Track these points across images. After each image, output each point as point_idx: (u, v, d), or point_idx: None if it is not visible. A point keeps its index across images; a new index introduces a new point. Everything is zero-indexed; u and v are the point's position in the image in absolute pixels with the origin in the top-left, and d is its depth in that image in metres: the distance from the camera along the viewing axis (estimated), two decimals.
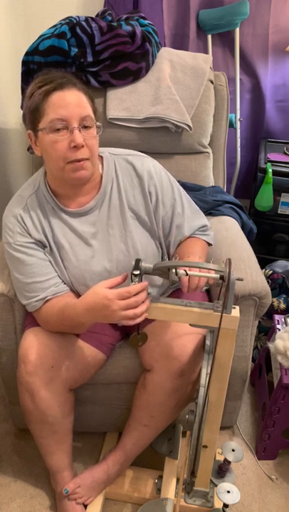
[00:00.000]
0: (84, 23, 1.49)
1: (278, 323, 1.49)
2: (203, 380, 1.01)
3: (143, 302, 0.91)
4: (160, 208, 1.17)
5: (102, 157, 1.17)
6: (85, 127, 1.04)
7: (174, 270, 0.92)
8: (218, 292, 1.03)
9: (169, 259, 1.24)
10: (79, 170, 1.05)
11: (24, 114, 1.09)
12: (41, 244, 1.15)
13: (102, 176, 1.16)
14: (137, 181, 1.16)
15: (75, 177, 1.06)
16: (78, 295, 1.20)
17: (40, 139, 1.05)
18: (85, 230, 1.15)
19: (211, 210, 1.56)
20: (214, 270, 0.88)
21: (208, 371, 1.01)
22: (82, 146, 1.03)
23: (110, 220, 1.16)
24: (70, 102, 1.01)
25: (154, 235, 1.20)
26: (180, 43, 2.06)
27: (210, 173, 1.69)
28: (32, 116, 1.05)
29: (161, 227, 1.19)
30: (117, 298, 0.90)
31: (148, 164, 1.17)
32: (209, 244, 1.28)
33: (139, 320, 0.91)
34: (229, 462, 1.19)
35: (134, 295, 0.90)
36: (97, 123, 1.07)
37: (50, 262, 1.16)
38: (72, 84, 1.04)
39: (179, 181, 1.59)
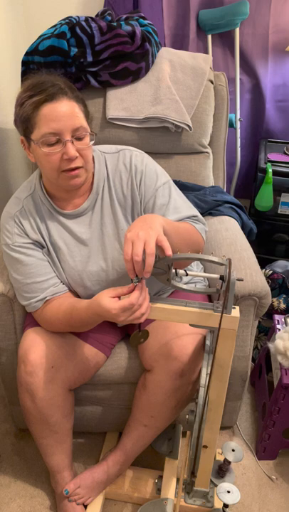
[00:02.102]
0: (84, 23, 1.49)
1: (278, 323, 1.49)
2: (203, 380, 1.01)
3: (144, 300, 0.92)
4: (142, 193, 1.14)
5: (93, 156, 1.16)
6: (78, 139, 1.02)
7: (173, 270, 0.92)
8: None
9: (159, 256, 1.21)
10: (73, 178, 1.05)
11: (15, 120, 1.07)
12: (39, 245, 1.15)
13: (94, 176, 1.15)
14: (126, 177, 1.14)
15: (70, 184, 1.06)
16: (77, 295, 1.20)
17: (33, 149, 1.05)
18: (81, 230, 1.15)
19: (211, 210, 1.56)
20: (214, 262, 0.87)
21: (208, 371, 1.01)
22: (76, 158, 1.02)
23: (103, 219, 1.15)
24: (62, 114, 0.99)
25: None
26: (180, 43, 2.05)
27: (210, 173, 1.69)
28: (24, 125, 1.04)
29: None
30: (120, 311, 0.91)
31: (136, 157, 1.15)
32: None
33: (145, 317, 0.92)
34: (229, 462, 1.19)
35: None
36: (90, 131, 1.06)
37: (48, 262, 1.16)
38: (63, 94, 1.01)
39: (178, 181, 1.60)
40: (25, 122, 1.03)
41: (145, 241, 0.86)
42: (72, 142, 1.01)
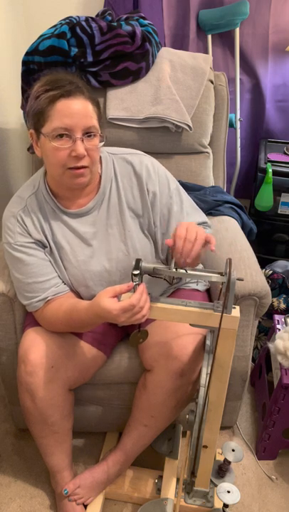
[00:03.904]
0: (84, 23, 1.49)
1: (278, 323, 1.49)
2: (204, 380, 1.01)
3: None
4: (157, 206, 1.16)
5: (100, 157, 1.16)
6: (89, 137, 1.03)
7: (174, 269, 0.92)
8: (219, 292, 1.03)
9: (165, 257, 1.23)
10: (78, 177, 1.05)
11: (28, 112, 1.07)
12: (41, 244, 1.15)
13: (100, 176, 1.16)
14: (135, 180, 1.15)
15: (74, 183, 1.06)
16: (78, 295, 1.20)
17: (42, 143, 1.05)
18: (85, 230, 1.15)
19: (211, 210, 1.56)
20: (215, 282, 0.89)
21: (209, 371, 1.01)
22: (84, 156, 1.02)
23: (109, 220, 1.16)
24: (76, 111, 1.00)
25: (151, 234, 1.19)
26: (180, 43, 2.06)
27: (210, 173, 1.69)
28: (36, 117, 1.04)
29: (159, 225, 1.18)
30: (121, 312, 0.92)
31: (146, 162, 1.16)
32: None
33: (145, 318, 0.93)
34: (229, 462, 1.19)
35: None
36: (101, 133, 1.06)
37: (50, 262, 1.16)
38: (80, 92, 1.02)
39: (178, 181, 1.60)
40: (37, 115, 1.03)
41: (197, 231, 0.96)
42: (82, 141, 1.01)
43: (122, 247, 1.16)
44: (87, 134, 1.02)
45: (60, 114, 1.00)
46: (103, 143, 1.07)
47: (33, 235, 1.14)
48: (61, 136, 1.01)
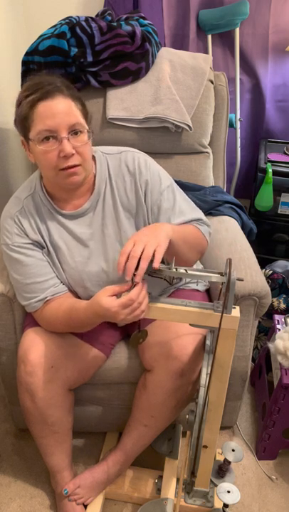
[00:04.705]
0: (84, 23, 1.49)
1: (278, 323, 1.49)
2: (204, 380, 1.01)
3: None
4: (148, 202, 1.15)
5: (94, 157, 1.16)
6: (75, 134, 1.02)
7: (174, 269, 0.92)
8: (219, 292, 1.03)
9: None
10: (71, 176, 1.05)
11: (15, 120, 1.07)
12: (39, 245, 1.15)
13: (95, 177, 1.15)
14: (129, 179, 1.15)
15: (68, 182, 1.06)
16: (77, 296, 1.20)
17: (32, 148, 1.05)
18: (82, 231, 1.15)
19: (211, 210, 1.56)
20: (214, 282, 0.88)
21: (209, 371, 1.01)
22: (73, 155, 1.02)
23: (105, 220, 1.15)
24: (57, 111, 1.00)
25: None
26: (180, 43, 2.05)
27: (210, 173, 1.69)
28: (22, 125, 1.04)
29: (148, 222, 1.17)
30: (121, 309, 0.92)
31: (139, 160, 1.15)
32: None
33: (143, 315, 0.93)
34: (229, 462, 1.19)
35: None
36: (88, 128, 1.05)
37: (48, 262, 1.16)
38: (59, 92, 1.01)
39: (179, 181, 1.60)
40: (22, 121, 1.03)
41: (145, 245, 0.91)
42: (69, 139, 1.01)
43: (118, 247, 1.16)
44: (73, 131, 1.02)
45: (41, 117, 0.99)
46: (91, 139, 1.06)
47: (30, 235, 1.14)
48: (47, 138, 1.00)
